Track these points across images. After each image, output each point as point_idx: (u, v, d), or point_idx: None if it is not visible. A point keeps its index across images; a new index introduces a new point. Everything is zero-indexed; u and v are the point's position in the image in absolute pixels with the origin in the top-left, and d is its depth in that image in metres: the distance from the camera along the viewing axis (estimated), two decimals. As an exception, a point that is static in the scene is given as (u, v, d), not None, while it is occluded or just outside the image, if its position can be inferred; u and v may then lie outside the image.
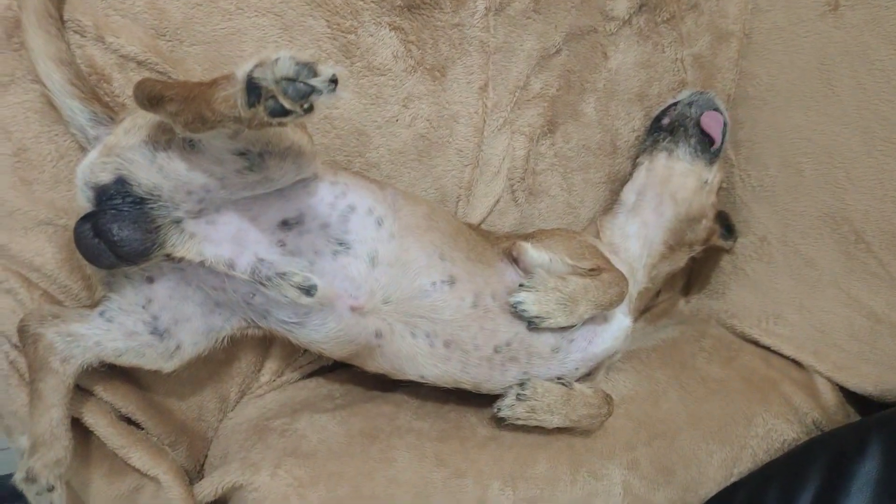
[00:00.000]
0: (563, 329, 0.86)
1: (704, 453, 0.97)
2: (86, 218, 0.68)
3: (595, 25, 1.01)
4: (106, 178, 0.69)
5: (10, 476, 0.70)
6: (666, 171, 1.03)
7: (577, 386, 0.88)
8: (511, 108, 0.98)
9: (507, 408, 0.85)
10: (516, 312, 0.83)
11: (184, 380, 0.88)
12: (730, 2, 1.11)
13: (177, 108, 0.61)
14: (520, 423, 0.86)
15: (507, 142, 0.99)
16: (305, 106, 0.55)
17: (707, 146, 1.02)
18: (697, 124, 1.02)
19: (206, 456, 0.91)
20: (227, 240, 0.74)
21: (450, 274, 0.83)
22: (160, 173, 0.68)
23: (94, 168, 0.69)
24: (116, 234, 0.67)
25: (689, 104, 1.04)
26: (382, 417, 0.88)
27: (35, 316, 0.73)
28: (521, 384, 0.86)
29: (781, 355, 1.13)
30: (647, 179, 1.04)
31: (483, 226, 1.02)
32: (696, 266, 1.25)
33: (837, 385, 1.09)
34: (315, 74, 0.55)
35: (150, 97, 0.62)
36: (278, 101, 0.54)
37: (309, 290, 0.76)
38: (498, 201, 1.01)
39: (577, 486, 0.89)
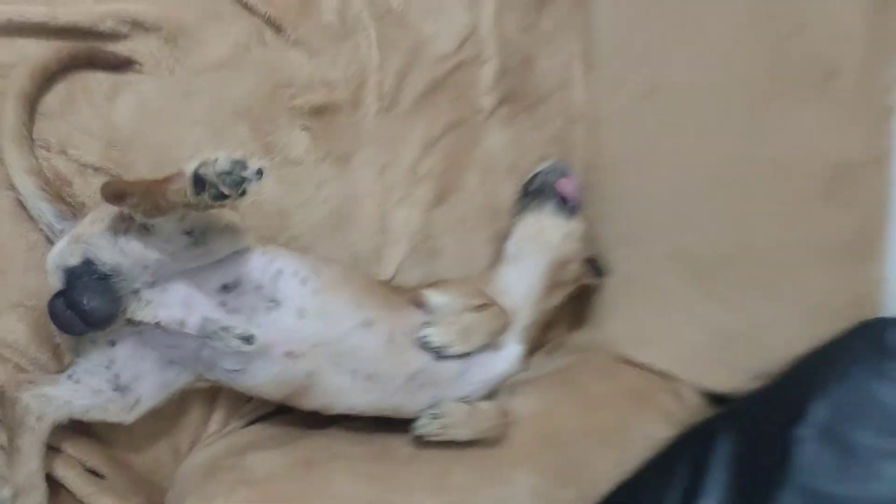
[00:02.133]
0: (464, 356, 1.05)
1: (598, 457, 1.16)
2: (58, 294, 0.84)
3: (468, 116, 1.26)
4: (74, 260, 0.84)
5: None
6: (538, 225, 1.26)
7: (478, 404, 1.06)
8: (406, 186, 1.20)
9: (423, 426, 1.02)
10: (424, 345, 1.02)
11: (140, 435, 1.00)
12: (574, 94, 1.39)
13: (137, 201, 0.78)
14: (435, 438, 1.03)
15: (407, 213, 1.21)
16: (240, 191, 0.74)
17: (563, 204, 1.27)
18: (554, 188, 1.27)
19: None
20: (178, 304, 0.90)
21: (367, 318, 1.01)
22: (121, 254, 0.84)
23: (63, 254, 0.85)
24: (87, 305, 0.82)
25: (547, 173, 1.29)
26: (320, 448, 1.03)
27: (12, 383, 0.87)
28: (434, 406, 1.03)
29: (653, 370, 1.35)
30: (523, 234, 1.27)
31: (393, 283, 1.21)
32: (581, 303, 1.47)
33: (699, 389, 1.31)
34: (245, 168, 0.74)
35: (115, 193, 0.79)
36: (219, 189, 0.73)
37: (248, 340, 0.92)
38: (403, 261, 1.21)
39: (492, 491, 1.05)
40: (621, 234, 1.41)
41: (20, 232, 0.91)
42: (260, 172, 0.75)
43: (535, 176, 1.31)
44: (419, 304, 1.08)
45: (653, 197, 1.35)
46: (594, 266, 1.39)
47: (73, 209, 0.91)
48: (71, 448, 0.92)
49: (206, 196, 0.73)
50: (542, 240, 1.26)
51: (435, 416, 1.02)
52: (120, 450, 0.99)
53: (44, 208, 0.90)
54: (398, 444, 1.05)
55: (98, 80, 0.94)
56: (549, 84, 1.36)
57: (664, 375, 1.33)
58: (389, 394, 1.02)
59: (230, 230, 0.89)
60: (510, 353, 1.13)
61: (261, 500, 0.91)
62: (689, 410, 1.27)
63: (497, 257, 1.29)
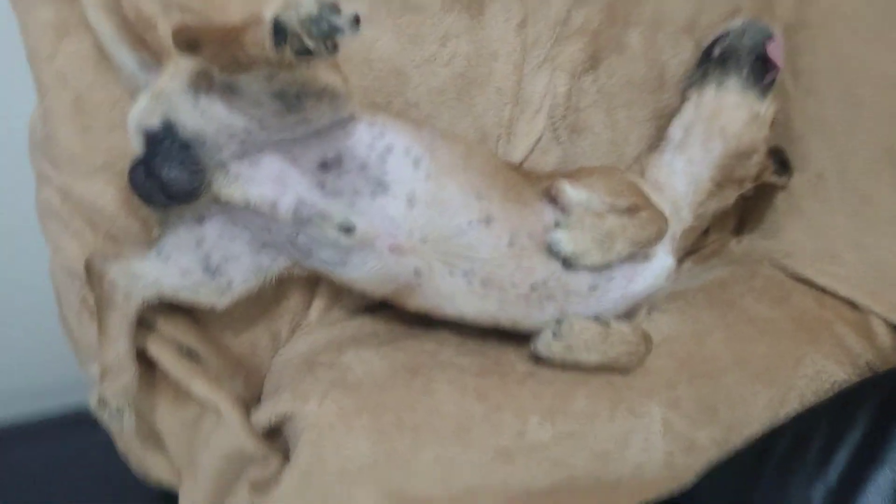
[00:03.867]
0: (601, 267, 0.86)
1: (750, 393, 0.96)
2: (138, 161, 0.72)
3: (641, -47, 0.97)
4: (154, 122, 0.72)
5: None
6: (715, 104, 0.99)
7: (614, 324, 0.88)
8: (551, 45, 0.96)
9: (544, 345, 0.86)
10: (553, 250, 0.84)
11: (237, 317, 0.93)
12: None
13: (213, 52, 0.63)
14: (557, 360, 0.87)
15: (548, 78, 0.98)
16: (329, 45, 0.56)
17: (760, 77, 0.98)
18: (751, 53, 0.97)
19: (263, 388, 0.97)
20: (270, 180, 0.77)
21: (486, 213, 0.84)
22: (203, 117, 0.71)
23: (143, 113, 0.73)
24: (166, 176, 0.71)
25: (742, 33, 0.99)
26: (425, 353, 0.91)
27: (99, 255, 0.79)
28: (558, 322, 0.87)
29: (836, 296, 1.10)
30: (695, 114, 1.01)
31: (525, 165, 1.01)
32: (748, 205, 1.21)
33: (894, 327, 1.05)
34: (337, 13, 0.56)
35: (187, 42, 0.64)
36: (303, 41, 0.56)
37: (349, 230, 0.78)
38: (540, 139, 1.00)
39: (616, 423, 0.90)
40: (820, 119, 1.10)
41: (102, 83, 0.79)
42: (357, 21, 0.56)
43: (723, 37, 1.02)
44: (553, 198, 0.88)
45: (870, 76, 1.02)
46: (782, 160, 1.11)
47: (158, 58, 0.77)
48: (165, 325, 0.86)
49: (287, 50, 0.57)
50: (721, 122, 0.99)
51: (559, 336, 0.86)
52: (217, 330, 0.92)
53: (124, 54, 0.77)
54: (514, 360, 0.91)
55: None
56: None
57: (851, 304, 1.08)
58: (508, 303, 0.86)
59: (329, 94, 0.72)
60: (658, 265, 0.93)
61: (356, 406, 0.81)
62: (879, 352, 1.03)
63: (658, 141, 1.05)
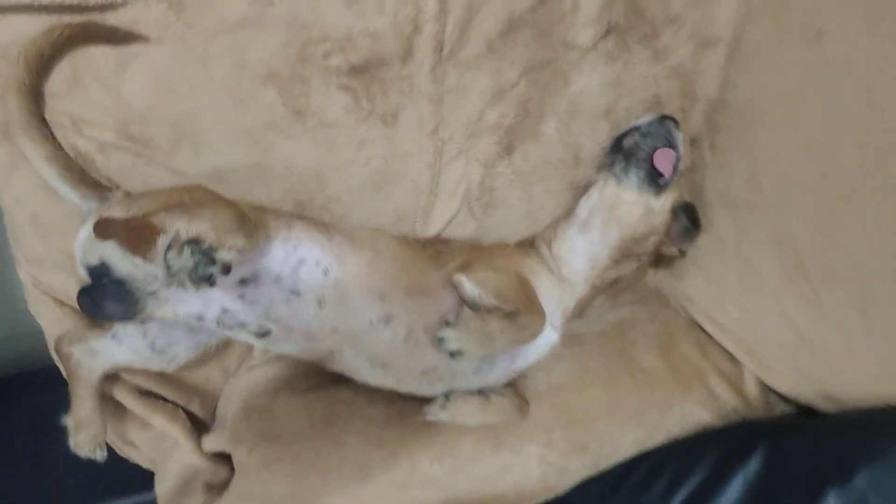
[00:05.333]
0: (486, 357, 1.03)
1: (619, 433, 1.15)
2: (83, 291, 0.88)
3: (555, 56, 1.00)
4: (93, 261, 0.87)
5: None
6: (614, 197, 1.08)
7: (494, 397, 1.06)
8: (465, 139, 1.04)
9: (432, 414, 1.05)
10: (441, 346, 1.00)
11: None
12: (719, 6, 1.04)
13: (123, 245, 0.77)
14: (446, 423, 1.07)
15: (463, 168, 1.07)
16: (207, 283, 0.70)
17: (655, 179, 1.05)
18: (648, 159, 1.04)
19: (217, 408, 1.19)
20: (196, 299, 0.92)
21: (386, 313, 0.99)
22: (132, 264, 0.85)
23: (84, 251, 0.87)
24: (106, 308, 0.87)
25: (645, 135, 1.05)
26: (342, 403, 1.11)
27: (66, 338, 0.98)
28: (446, 396, 1.05)
29: (719, 346, 1.25)
30: (598, 200, 1.10)
31: (442, 234, 1.14)
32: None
33: (761, 384, 1.21)
34: (212, 264, 0.69)
35: (101, 234, 0.78)
36: (184, 280, 0.70)
37: (265, 335, 0.95)
38: (454, 217, 1.11)
39: (498, 458, 1.11)
40: (727, 194, 1.17)
41: (55, 203, 0.93)
42: (228, 270, 0.69)
43: (632, 131, 1.08)
44: (454, 285, 1.02)
45: (771, 166, 1.09)
46: (692, 218, 1.21)
47: (99, 190, 0.90)
48: (128, 375, 1.06)
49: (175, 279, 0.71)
50: (616, 214, 1.09)
51: (444, 407, 1.05)
52: (174, 371, 1.11)
53: (67, 192, 0.89)
54: (415, 410, 1.11)
55: (103, 55, 0.83)
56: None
57: (730, 357, 1.23)
58: (404, 382, 1.04)
59: (236, 248, 0.85)
60: (542, 343, 1.08)
61: (277, 456, 1.04)
62: (746, 402, 1.20)
63: (569, 211, 1.15)
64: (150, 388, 1.09)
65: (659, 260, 1.37)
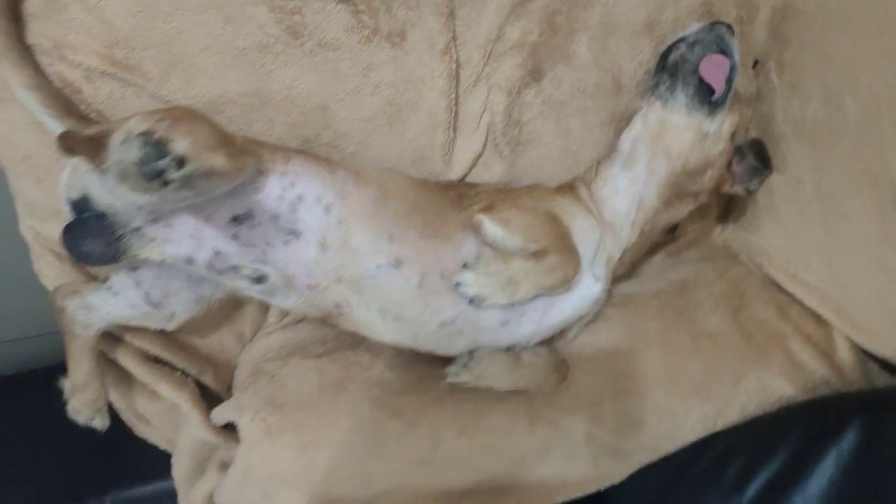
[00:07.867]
0: (511, 304, 0.89)
1: (681, 409, 0.98)
2: (66, 229, 0.82)
3: (583, -42, 0.88)
4: (74, 195, 0.80)
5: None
6: (659, 123, 0.93)
7: (525, 355, 0.92)
8: (484, 63, 0.93)
9: (454, 375, 0.92)
10: (458, 292, 0.87)
11: (204, 322, 1.04)
12: None
13: (87, 156, 0.70)
14: (469, 387, 0.93)
15: (485, 97, 0.95)
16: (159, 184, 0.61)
17: (706, 96, 0.90)
18: (696, 71, 0.89)
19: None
20: (185, 238, 0.84)
21: (397, 257, 0.87)
22: (111, 193, 0.78)
23: (67, 185, 0.81)
24: (84, 247, 0.80)
25: (693, 44, 0.90)
26: (357, 367, 0.99)
27: (60, 292, 0.92)
28: (469, 353, 0.92)
29: (802, 306, 1.06)
30: (641, 129, 0.95)
31: (469, 178, 1.02)
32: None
33: (855, 346, 1.01)
34: (163, 156, 0.60)
35: (63, 148, 0.71)
36: (138, 182, 0.61)
37: (260, 280, 0.86)
38: (480, 156, 0.99)
39: (535, 436, 0.96)
40: (803, 121, 1.00)
41: (46, 141, 0.87)
42: (182, 163, 0.60)
43: (677, 43, 0.93)
44: (476, 228, 0.90)
45: (855, 83, 0.91)
46: (761, 156, 1.04)
47: (86, 123, 0.84)
48: (132, 338, 0.99)
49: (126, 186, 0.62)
50: (665, 142, 0.94)
51: (468, 367, 0.91)
52: (185, 335, 1.04)
53: (53, 124, 0.84)
54: (437, 376, 0.98)
55: (80, -31, 0.78)
56: None
57: (816, 317, 1.04)
58: (420, 337, 0.92)
59: (217, 173, 0.76)
60: (582, 294, 0.94)
61: (281, 426, 0.92)
62: (836, 369, 1.01)
63: (612, 146, 1.01)
64: (158, 354, 1.01)
65: (727, 212, 1.20)
